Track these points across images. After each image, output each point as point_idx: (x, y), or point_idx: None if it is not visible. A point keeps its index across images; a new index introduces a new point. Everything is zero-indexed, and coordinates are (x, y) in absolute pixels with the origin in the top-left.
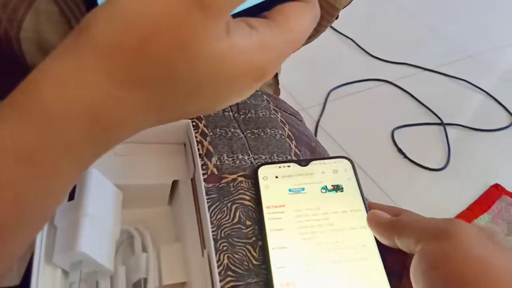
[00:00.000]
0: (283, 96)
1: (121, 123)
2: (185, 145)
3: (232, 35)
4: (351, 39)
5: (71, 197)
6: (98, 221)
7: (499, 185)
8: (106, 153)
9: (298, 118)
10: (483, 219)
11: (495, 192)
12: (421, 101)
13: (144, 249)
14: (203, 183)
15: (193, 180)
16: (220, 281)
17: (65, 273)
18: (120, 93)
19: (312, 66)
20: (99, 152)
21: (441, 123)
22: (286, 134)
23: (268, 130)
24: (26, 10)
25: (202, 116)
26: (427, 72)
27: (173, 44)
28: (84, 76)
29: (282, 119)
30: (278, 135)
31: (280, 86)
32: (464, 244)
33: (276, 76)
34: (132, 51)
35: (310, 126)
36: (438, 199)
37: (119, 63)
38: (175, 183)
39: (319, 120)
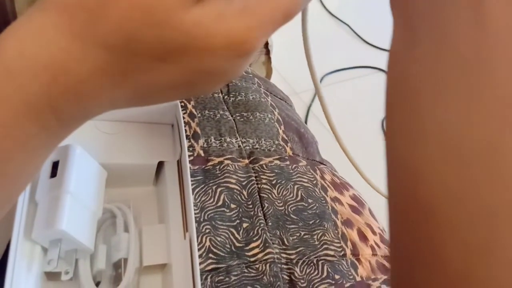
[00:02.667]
0: (275, 79)
1: (81, 85)
2: (172, 126)
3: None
4: (347, 24)
5: (54, 174)
6: (80, 199)
7: None
8: (91, 131)
9: (288, 103)
10: None
11: None
12: None
13: (126, 229)
14: (188, 166)
15: (179, 162)
16: (201, 263)
17: (45, 249)
18: (79, 51)
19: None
20: (66, 119)
21: None
22: (276, 118)
23: (258, 114)
24: None
25: (191, 97)
26: None
27: (134, 7)
28: (45, 32)
29: (272, 103)
30: (267, 119)
31: (274, 71)
32: None
33: (268, 53)
34: (91, 10)
35: (302, 111)
36: None
37: (79, 21)
38: (161, 164)
39: (310, 105)
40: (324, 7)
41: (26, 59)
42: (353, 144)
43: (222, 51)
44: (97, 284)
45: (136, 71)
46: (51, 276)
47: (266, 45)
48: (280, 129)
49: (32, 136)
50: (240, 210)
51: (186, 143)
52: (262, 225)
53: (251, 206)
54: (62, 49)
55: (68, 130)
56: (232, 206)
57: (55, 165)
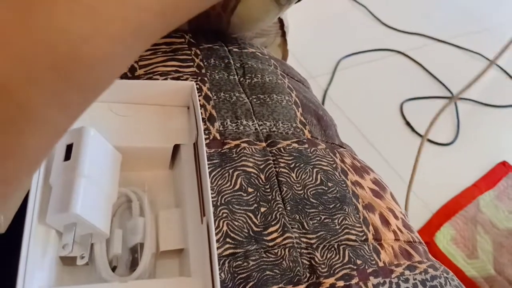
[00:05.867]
0: (291, 63)
1: (92, 65)
2: (188, 108)
3: None
4: (364, 6)
5: (68, 157)
6: (95, 182)
7: (506, 162)
8: (105, 113)
9: (305, 85)
10: (488, 196)
11: (502, 169)
12: (433, 73)
13: (142, 213)
14: (205, 149)
15: (195, 145)
16: (219, 248)
17: (59, 234)
18: (82, 27)
19: (323, 33)
20: (74, 111)
21: (452, 97)
22: (293, 100)
23: (275, 96)
24: None
25: (206, 79)
26: (440, 43)
27: None
28: (36, 15)
29: (290, 85)
30: (285, 101)
31: (290, 55)
32: None
33: (284, 35)
34: None
35: (318, 95)
36: (444, 174)
37: None
38: (177, 147)
39: (327, 89)
40: None
41: None
42: (371, 128)
43: None
44: (113, 269)
45: None
46: (67, 261)
47: (282, 26)
48: (298, 111)
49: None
50: (258, 194)
51: (202, 126)
52: (280, 209)
53: (268, 190)
54: (62, 31)
55: None
56: (250, 190)
57: (69, 148)
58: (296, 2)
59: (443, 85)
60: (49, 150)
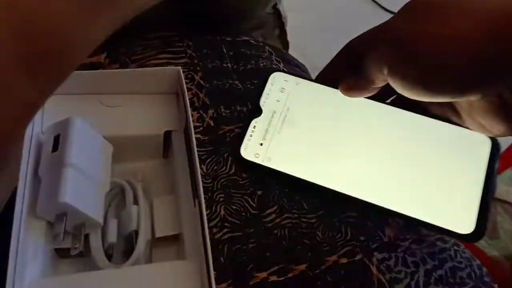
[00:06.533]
0: (295, 55)
1: (65, 36)
2: (177, 95)
3: None
4: None
5: (55, 148)
6: (84, 171)
7: None
8: (93, 105)
9: (302, 70)
10: (504, 175)
11: None
12: None
13: (136, 202)
14: (193, 133)
15: (185, 131)
16: (217, 232)
17: (51, 225)
18: None
19: (329, 27)
20: (46, 87)
21: None
22: None
23: None
24: None
25: (198, 68)
26: None
27: None
28: None
29: (285, 69)
30: None
31: (291, 45)
32: None
33: (282, 26)
34: None
35: None
36: None
37: None
38: (168, 136)
39: None
40: None
41: None
42: None
43: None
44: (110, 258)
45: None
46: (62, 252)
47: (280, 16)
48: None
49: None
50: (253, 178)
51: (190, 111)
52: (277, 191)
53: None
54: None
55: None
56: (244, 175)
57: (56, 140)
58: None
59: None
60: (22, 126)
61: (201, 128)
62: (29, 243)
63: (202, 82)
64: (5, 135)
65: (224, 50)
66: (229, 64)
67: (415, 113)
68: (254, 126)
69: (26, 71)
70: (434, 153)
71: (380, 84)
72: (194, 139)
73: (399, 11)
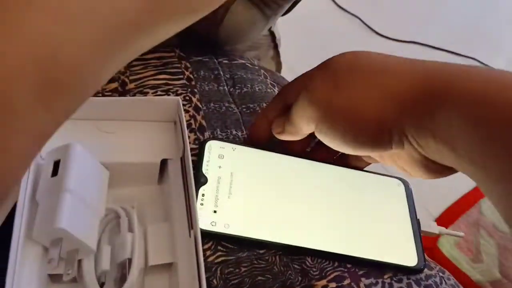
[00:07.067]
0: (286, 75)
1: (79, 70)
2: (175, 123)
3: None
4: (357, 17)
5: (55, 173)
6: (81, 198)
7: None
8: (92, 130)
9: None
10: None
11: None
12: None
13: (131, 229)
14: (191, 163)
15: (182, 159)
16: (210, 256)
17: (46, 249)
18: (70, 32)
19: (317, 45)
20: (59, 115)
21: None
22: None
23: (264, 105)
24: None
25: (195, 90)
26: (436, 51)
27: None
28: (23, 21)
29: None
30: None
31: (283, 64)
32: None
33: (276, 48)
34: None
35: None
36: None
37: None
38: (164, 162)
39: None
40: (333, 1)
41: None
42: None
43: None
44: (102, 285)
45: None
46: (55, 278)
47: (274, 39)
48: None
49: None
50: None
51: (188, 140)
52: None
53: None
54: (50, 36)
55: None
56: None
57: (56, 164)
58: (283, 15)
59: None
60: (34, 153)
61: (197, 151)
62: (25, 267)
63: (199, 104)
64: (19, 167)
65: (221, 72)
66: (225, 87)
67: (343, 167)
68: (203, 194)
69: (42, 102)
70: (367, 200)
71: (308, 132)
72: (191, 168)
73: (319, 67)
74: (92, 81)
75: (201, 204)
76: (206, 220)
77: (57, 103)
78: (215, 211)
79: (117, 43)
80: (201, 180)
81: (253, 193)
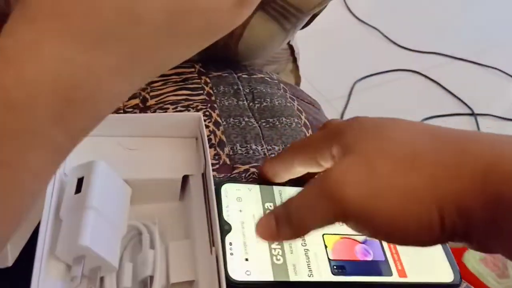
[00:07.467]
0: (305, 88)
1: (94, 93)
2: (196, 139)
3: None
4: (376, 29)
5: (78, 190)
6: (104, 215)
7: None
8: (114, 147)
9: (315, 107)
10: None
11: None
12: (451, 91)
13: (153, 246)
14: (212, 179)
15: (204, 175)
16: None
17: (69, 267)
18: (86, 57)
19: (336, 57)
20: (76, 134)
21: (472, 114)
22: (303, 122)
23: (284, 119)
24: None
25: (215, 105)
26: (457, 61)
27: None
28: (42, 46)
29: (299, 107)
30: (294, 123)
31: (302, 78)
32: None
33: (295, 61)
34: (84, 11)
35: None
36: None
37: (75, 22)
38: (186, 179)
39: (343, 112)
40: (352, 13)
41: (29, 87)
42: None
43: (221, 4)
44: None
45: (143, 54)
46: None
47: (293, 52)
48: (308, 133)
49: (39, 163)
50: None
51: (209, 156)
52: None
53: None
54: (66, 62)
55: (76, 142)
56: None
57: (79, 181)
58: (302, 28)
59: (462, 101)
60: (52, 169)
61: (217, 166)
62: (48, 284)
63: (219, 120)
64: (35, 182)
65: (241, 87)
66: (245, 102)
67: None
68: (230, 243)
69: (59, 121)
70: None
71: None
72: (212, 184)
73: (350, 124)
74: (108, 103)
75: (231, 254)
76: (240, 270)
77: (74, 123)
78: (246, 259)
79: (136, 68)
80: (225, 227)
81: None
